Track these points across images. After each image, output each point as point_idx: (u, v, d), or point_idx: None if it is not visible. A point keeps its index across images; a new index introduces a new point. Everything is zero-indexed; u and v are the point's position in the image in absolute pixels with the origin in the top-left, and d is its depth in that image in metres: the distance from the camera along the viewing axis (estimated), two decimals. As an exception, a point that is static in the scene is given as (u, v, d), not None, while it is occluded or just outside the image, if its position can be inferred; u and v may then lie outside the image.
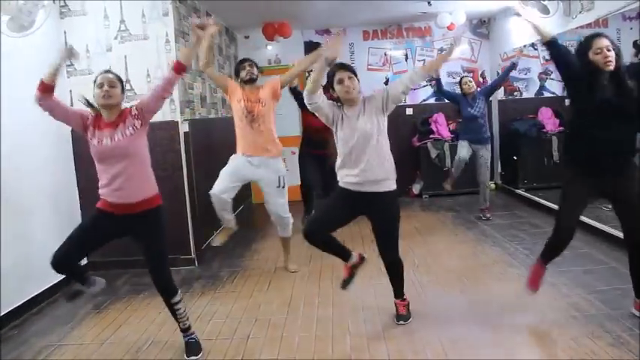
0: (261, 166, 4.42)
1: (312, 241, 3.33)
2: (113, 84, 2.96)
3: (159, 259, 3.08)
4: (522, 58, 7.44)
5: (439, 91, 6.22)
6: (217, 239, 4.73)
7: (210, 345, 3.27)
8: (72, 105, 4.81)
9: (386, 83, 8.03)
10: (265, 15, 6.67)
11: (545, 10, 5.48)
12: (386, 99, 3.18)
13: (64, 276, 4.38)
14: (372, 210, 3.26)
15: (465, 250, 5.00)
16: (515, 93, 7.74)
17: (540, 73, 7.58)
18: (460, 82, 6.03)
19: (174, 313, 3.16)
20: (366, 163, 3.16)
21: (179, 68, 3.01)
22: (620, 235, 4.37)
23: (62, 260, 2.96)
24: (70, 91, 4.81)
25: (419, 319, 3.46)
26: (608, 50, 2.87)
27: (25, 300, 4.04)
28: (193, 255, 4.96)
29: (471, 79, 5.96)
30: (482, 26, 8.01)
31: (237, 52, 7.88)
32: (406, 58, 8.05)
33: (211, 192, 4.40)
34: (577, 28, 5.29)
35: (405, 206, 7.06)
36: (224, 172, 4.45)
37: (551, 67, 7.47)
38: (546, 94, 7.62)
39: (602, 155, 3.00)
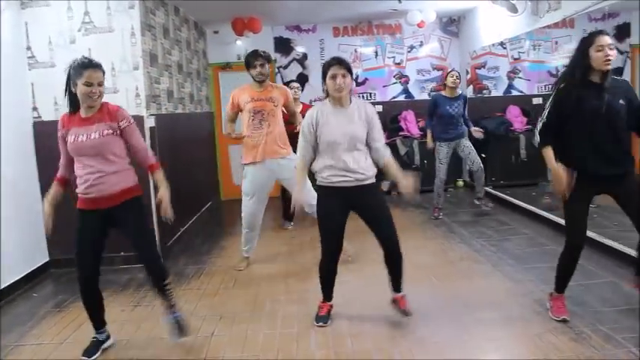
0: (279, 167, 4.38)
1: (328, 269, 3.40)
2: (102, 83, 2.89)
3: (147, 243, 3.09)
4: (491, 57, 7.57)
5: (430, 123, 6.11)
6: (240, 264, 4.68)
7: (172, 344, 3.21)
8: (33, 97, 4.70)
9: (355, 80, 8.03)
10: (235, 10, 6.60)
11: (514, 9, 5.54)
12: (369, 125, 3.18)
13: (22, 274, 4.36)
14: (362, 201, 3.23)
15: (432, 246, 5.03)
16: (484, 91, 7.82)
17: (509, 72, 7.67)
18: (446, 75, 5.95)
19: (163, 293, 3.13)
20: (352, 163, 3.14)
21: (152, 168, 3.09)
22: (593, 235, 4.47)
23: (89, 273, 3.00)
24: (32, 83, 4.68)
25: (385, 315, 3.45)
26: (610, 49, 2.87)
27: (-18, 299, 3.92)
28: (159, 250, 4.86)
29: (459, 75, 5.87)
30: (452, 24, 8.07)
31: (206, 47, 7.78)
32: (376, 55, 8.06)
33: (242, 215, 4.53)
34: (544, 27, 5.37)
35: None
36: (245, 192, 4.47)
37: (519, 65, 7.59)
38: (515, 93, 7.71)
39: (598, 162, 2.98)
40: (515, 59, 7.57)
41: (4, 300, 4.09)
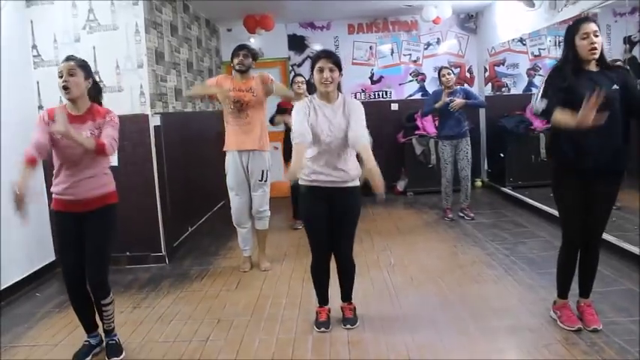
0: (250, 159, 4.36)
1: (320, 271, 3.30)
2: (72, 72, 2.77)
3: (99, 257, 2.94)
4: (510, 54, 7.35)
5: (424, 115, 5.99)
6: (243, 265, 4.62)
7: (166, 348, 3.13)
8: (39, 96, 4.68)
9: (371, 77, 7.89)
10: (247, 7, 6.52)
11: (531, 4, 5.34)
12: (349, 116, 3.03)
13: (26, 274, 4.33)
14: (337, 205, 3.12)
15: (444, 249, 4.86)
16: (503, 89, 7.60)
17: (529, 69, 7.44)
18: (439, 73, 5.79)
19: (101, 313, 3.03)
20: (337, 159, 3.04)
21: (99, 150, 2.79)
22: (610, 238, 4.28)
23: (75, 277, 2.92)
24: (37, 82, 4.66)
25: (387, 322, 3.33)
26: (595, 36, 2.74)
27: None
28: (164, 252, 4.80)
29: (450, 72, 5.71)
30: (470, 20, 7.85)
31: (220, 45, 7.73)
32: (392, 53, 7.89)
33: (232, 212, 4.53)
34: (562, 22, 5.16)
35: (389, 204, 6.92)
36: (229, 186, 4.47)
37: (540, 62, 7.35)
38: (535, 91, 7.46)
39: (591, 152, 2.82)
40: (536, 56, 7.33)
41: (6, 299, 4.06)
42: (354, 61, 7.89)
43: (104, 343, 3.10)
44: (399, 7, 7.13)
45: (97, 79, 4.53)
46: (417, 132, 7.54)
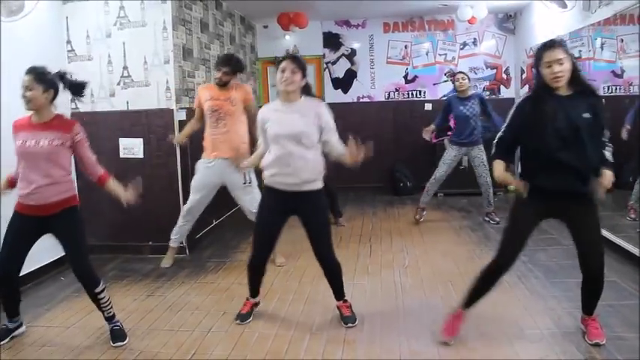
0: (224, 169, 4.37)
1: (256, 268, 3.40)
2: (30, 86, 2.93)
3: (78, 252, 3.11)
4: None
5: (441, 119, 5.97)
6: (165, 261, 4.71)
7: (169, 336, 3.25)
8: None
9: (405, 77, 7.83)
10: (283, 5, 6.60)
11: (563, 5, 5.19)
12: (322, 131, 3.12)
13: (54, 258, 4.54)
14: (303, 209, 3.20)
15: (461, 253, 4.81)
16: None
17: (568, 71, 7.20)
18: (454, 77, 5.74)
19: (97, 302, 3.17)
20: (297, 158, 3.08)
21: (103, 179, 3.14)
22: (630, 248, 4.15)
23: (5, 265, 3.07)
24: (71, 75, 4.85)
25: (387, 323, 3.34)
26: (560, 64, 2.63)
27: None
28: (185, 243, 4.94)
29: (466, 77, 5.63)
30: (509, 21, 7.68)
31: (255, 42, 7.84)
32: (427, 52, 7.81)
33: (182, 211, 4.63)
34: (595, 23, 5.00)
35: (417, 203, 6.86)
36: (192, 187, 4.53)
37: (581, 64, 7.09)
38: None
39: (558, 180, 2.77)
40: (577, 58, 7.07)
41: (34, 281, 4.28)
42: (389, 59, 7.86)
43: (109, 329, 3.23)
44: (435, 7, 7.05)
45: (126, 74, 4.77)
46: (449, 133, 7.43)
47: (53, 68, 4.63)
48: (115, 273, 4.53)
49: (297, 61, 3.09)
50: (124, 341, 3.16)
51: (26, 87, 2.92)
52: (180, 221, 4.65)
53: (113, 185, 3.16)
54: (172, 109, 4.80)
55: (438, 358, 2.90)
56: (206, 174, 4.44)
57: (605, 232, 4.69)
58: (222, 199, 6.07)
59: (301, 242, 5.15)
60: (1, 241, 3.23)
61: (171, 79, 4.76)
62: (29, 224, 3.06)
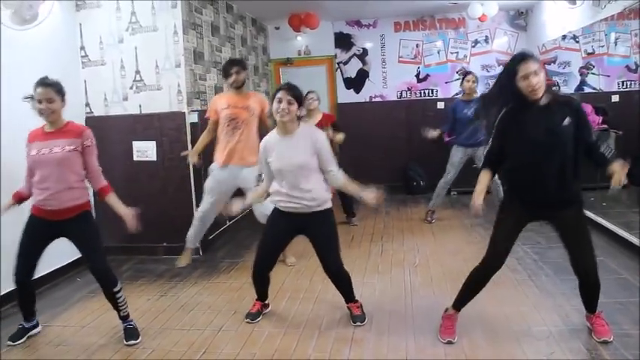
0: (238, 176, 4.40)
1: (259, 276, 3.50)
2: (51, 99, 3.01)
3: (95, 253, 3.20)
4: (561, 51, 7.09)
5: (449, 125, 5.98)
6: (181, 261, 4.76)
7: (180, 335, 3.32)
8: (86, 94, 4.98)
9: (417, 75, 7.84)
10: (293, 6, 6.65)
11: (572, 1, 5.16)
12: (318, 154, 3.16)
13: (71, 259, 4.64)
14: (310, 228, 3.27)
15: (472, 251, 4.78)
16: (554, 88, 7.33)
17: (581, 68, 7.13)
18: (463, 78, 5.76)
19: (113, 302, 3.26)
20: (300, 191, 3.16)
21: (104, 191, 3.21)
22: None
23: (22, 277, 3.19)
24: (85, 81, 4.97)
25: (395, 322, 3.37)
26: (536, 75, 2.66)
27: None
28: (198, 244, 5.01)
29: (475, 80, 5.67)
30: (520, 17, 7.63)
31: (267, 43, 7.90)
32: (438, 51, 7.80)
33: (198, 210, 4.62)
34: (608, 18, 4.96)
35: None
36: (205, 190, 4.55)
37: (594, 60, 7.05)
38: (587, 90, 7.17)
39: (538, 192, 2.84)
40: (589, 54, 7.03)
41: (51, 282, 4.38)
42: (401, 59, 7.86)
43: (123, 327, 3.31)
44: (446, 5, 7.04)
45: (139, 79, 4.86)
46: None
47: (70, 75, 4.78)
48: (130, 274, 4.62)
49: (292, 90, 3.10)
50: (137, 340, 3.24)
51: (48, 99, 3.00)
52: (195, 223, 4.67)
53: (113, 200, 3.22)
54: (184, 112, 4.87)
55: (444, 357, 2.92)
56: (219, 178, 4.45)
57: (618, 230, 4.69)
58: (235, 198, 6.16)
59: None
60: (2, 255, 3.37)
61: (183, 83, 4.84)
62: (44, 227, 3.15)
